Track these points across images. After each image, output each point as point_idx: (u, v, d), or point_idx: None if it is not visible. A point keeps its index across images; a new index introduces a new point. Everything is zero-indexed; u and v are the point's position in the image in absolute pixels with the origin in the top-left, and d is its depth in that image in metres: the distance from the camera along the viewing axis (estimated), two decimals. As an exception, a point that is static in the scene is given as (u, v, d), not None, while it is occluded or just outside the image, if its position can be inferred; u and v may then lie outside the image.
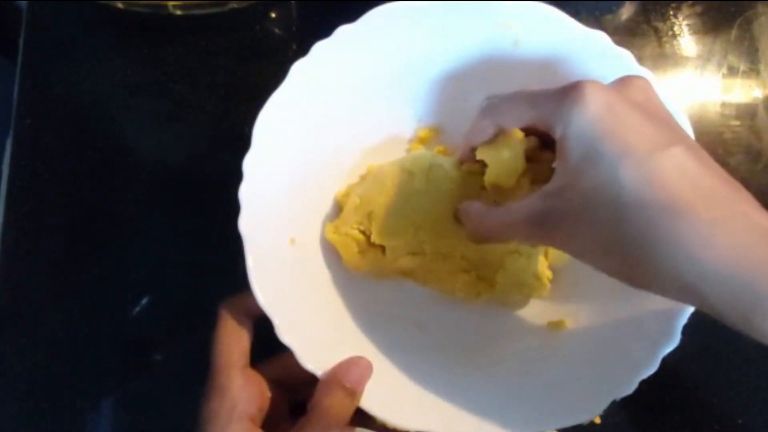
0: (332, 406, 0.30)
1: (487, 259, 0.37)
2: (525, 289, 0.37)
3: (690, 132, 0.32)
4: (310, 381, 0.31)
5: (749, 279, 0.24)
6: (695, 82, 0.49)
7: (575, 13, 0.35)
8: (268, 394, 0.32)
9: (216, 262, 0.41)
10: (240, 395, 0.30)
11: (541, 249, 0.38)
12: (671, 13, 0.49)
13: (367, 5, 0.34)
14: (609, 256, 0.27)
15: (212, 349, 0.32)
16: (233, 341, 0.32)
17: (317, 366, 0.31)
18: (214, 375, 0.31)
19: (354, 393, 0.30)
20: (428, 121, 0.41)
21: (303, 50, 0.34)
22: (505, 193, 0.34)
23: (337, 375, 0.31)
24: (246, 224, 0.31)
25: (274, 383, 0.33)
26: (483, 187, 0.36)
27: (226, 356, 0.31)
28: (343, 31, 0.34)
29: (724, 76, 0.49)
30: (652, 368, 0.31)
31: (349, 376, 0.30)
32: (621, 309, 0.35)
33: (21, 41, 0.47)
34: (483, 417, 0.32)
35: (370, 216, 0.36)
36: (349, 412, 0.30)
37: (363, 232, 0.36)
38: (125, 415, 0.39)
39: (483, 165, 0.34)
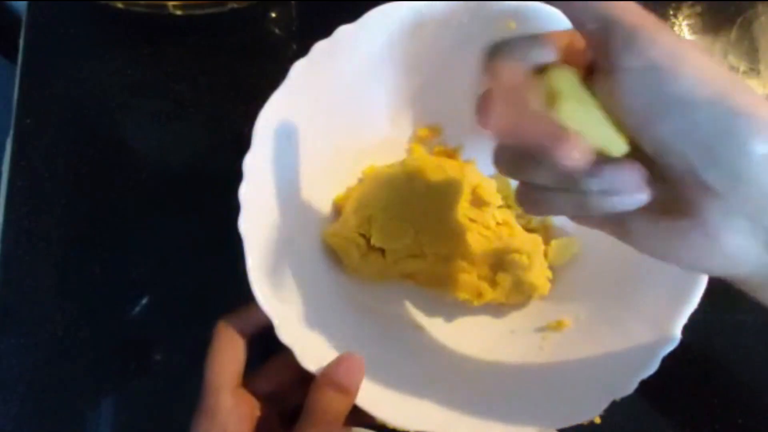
0: (326, 405, 0.30)
1: (488, 261, 0.37)
2: (525, 289, 0.37)
3: None
4: (301, 386, 0.31)
5: None
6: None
7: (575, 13, 0.35)
8: (258, 413, 0.32)
9: (216, 262, 0.40)
10: (229, 418, 0.30)
11: (541, 249, 0.38)
12: (671, 13, 0.49)
13: (367, 5, 0.34)
14: None
15: (205, 367, 0.31)
16: (226, 362, 0.32)
17: (317, 366, 0.31)
18: (204, 396, 0.31)
19: (348, 390, 0.30)
20: (428, 121, 0.41)
21: (303, 50, 0.34)
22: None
23: (328, 374, 0.30)
24: (246, 224, 0.31)
25: (266, 397, 0.32)
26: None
27: (218, 377, 0.31)
28: (343, 31, 0.34)
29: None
30: (652, 368, 0.32)
31: (340, 373, 0.30)
32: (621, 309, 0.35)
33: (21, 41, 0.46)
34: (483, 417, 0.32)
35: (369, 219, 0.36)
36: (344, 410, 0.30)
37: (363, 236, 0.36)
38: (125, 415, 0.39)
39: None
